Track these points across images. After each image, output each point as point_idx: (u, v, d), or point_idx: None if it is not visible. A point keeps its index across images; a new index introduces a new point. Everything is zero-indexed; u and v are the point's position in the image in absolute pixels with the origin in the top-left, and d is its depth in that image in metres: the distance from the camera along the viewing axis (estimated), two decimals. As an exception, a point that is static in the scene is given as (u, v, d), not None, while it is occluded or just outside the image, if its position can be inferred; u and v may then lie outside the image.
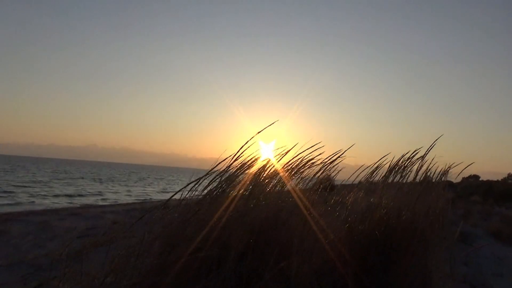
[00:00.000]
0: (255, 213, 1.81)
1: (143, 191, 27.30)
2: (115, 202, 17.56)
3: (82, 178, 38.44)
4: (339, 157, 2.42)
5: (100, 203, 16.78)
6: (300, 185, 2.41)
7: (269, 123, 2.05)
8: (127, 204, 15.47)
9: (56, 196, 19.24)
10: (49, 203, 15.76)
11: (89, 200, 17.99)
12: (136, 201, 18.75)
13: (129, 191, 26.64)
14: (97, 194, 21.93)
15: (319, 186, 2.38)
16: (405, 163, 2.50)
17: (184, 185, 1.93)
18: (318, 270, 1.85)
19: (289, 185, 2.30)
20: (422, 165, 2.51)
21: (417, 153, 2.53)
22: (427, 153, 2.53)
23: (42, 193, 19.99)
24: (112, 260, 1.77)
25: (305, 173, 2.43)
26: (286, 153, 2.29)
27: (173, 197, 1.98)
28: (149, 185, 36.65)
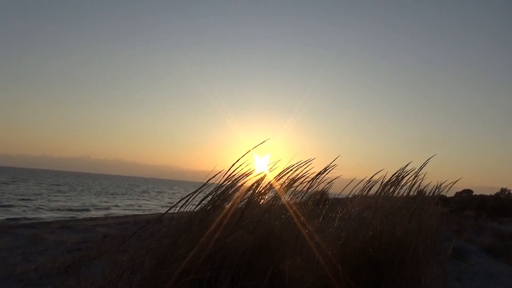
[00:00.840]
0: (248, 231, 1.80)
1: (155, 205, 27.05)
2: (108, 215, 17.34)
3: (89, 191, 37.85)
4: (329, 169, 2.44)
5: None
6: (294, 200, 2.41)
7: (263, 136, 2.06)
8: (120, 217, 15.29)
9: (66, 209, 18.79)
10: (59, 217, 15.34)
11: (102, 214, 17.62)
12: (129, 213, 18.55)
13: (134, 204, 26.31)
14: (108, 208, 21.69)
15: (313, 200, 2.39)
16: (399, 178, 2.52)
17: (178, 201, 1.93)
18: (311, 287, 1.84)
19: (284, 199, 2.30)
20: (415, 181, 2.54)
21: (410, 168, 2.56)
22: (421, 169, 2.55)
23: (50, 207, 19.52)
24: (103, 276, 1.75)
25: (299, 188, 2.44)
26: (282, 174, 2.29)
27: (168, 211, 1.97)
28: (149, 198, 36.23)
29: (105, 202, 26.20)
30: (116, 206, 23.79)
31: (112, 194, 37.15)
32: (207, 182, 1.99)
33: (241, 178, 2.06)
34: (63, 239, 7.04)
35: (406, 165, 2.58)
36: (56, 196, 27.53)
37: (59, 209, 18.64)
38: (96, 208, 21.09)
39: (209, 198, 1.94)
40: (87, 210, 19.75)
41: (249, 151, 2.00)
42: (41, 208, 18.47)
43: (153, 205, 27.20)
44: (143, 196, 39.57)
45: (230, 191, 2.02)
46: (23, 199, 22.51)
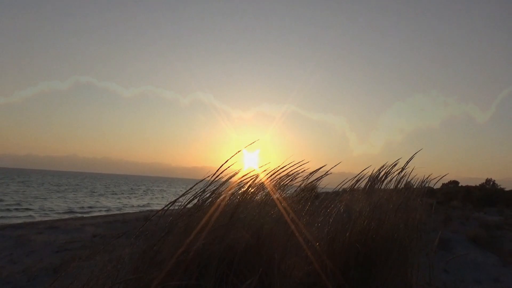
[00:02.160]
0: (236, 231, 1.80)
1: (163, 204, 26.49)
2: (97, 214, 17.07)
3: (94, 192, 37.06)
4: (323, 169, 2.45)
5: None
6: (284, 194, 2.42)
7: (252, 132, 2.05)
8: (108, 215, 15.10)
9: (81, 211, 18.27)
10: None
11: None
12: (117, 212, 18.30)
13: (145, 204, 25.81)
14: (123, 208, 21.26)
15: (303, 195, 2.39)
16: (386, 172, 2.54)
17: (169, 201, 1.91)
18: (300, 283, 1.85)
19: (274, 196, 2.30)
20: (402, 175, 2.57)
21: (396, 163, 2.59)
22: (408, 163, 2.58)
23: (61, 209, 18.96)
24: (91, 277, 1.73)
25: (289, 184, 2.44)
26: (272, 172, 2.29)
27: (158, 211, 1.96)
28: (155, 197, 35.70)
29: (119, 202, 25.87)
30: (131, 206, 23.32)
31: (117, 194, 36.51)
32: (200, 180, 1.98)
33: (230, 176, 2.04)
34: (51, 239, 6.94)
35: (397, 160, 2.61)
36: (64, 197, 26.97)
37: (73, 211, 18.18)
38: (110, 209, 20.58)
39: (196, 199, 1.93)
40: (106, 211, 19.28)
41: (238, 152, 1.99)
42: (66, 211, 17.92)
43: (163, 204, 26.72)
44: (148, 194, 39.19)
45: (219, 190, 2.01)
46: (35, 201, 21.90)
